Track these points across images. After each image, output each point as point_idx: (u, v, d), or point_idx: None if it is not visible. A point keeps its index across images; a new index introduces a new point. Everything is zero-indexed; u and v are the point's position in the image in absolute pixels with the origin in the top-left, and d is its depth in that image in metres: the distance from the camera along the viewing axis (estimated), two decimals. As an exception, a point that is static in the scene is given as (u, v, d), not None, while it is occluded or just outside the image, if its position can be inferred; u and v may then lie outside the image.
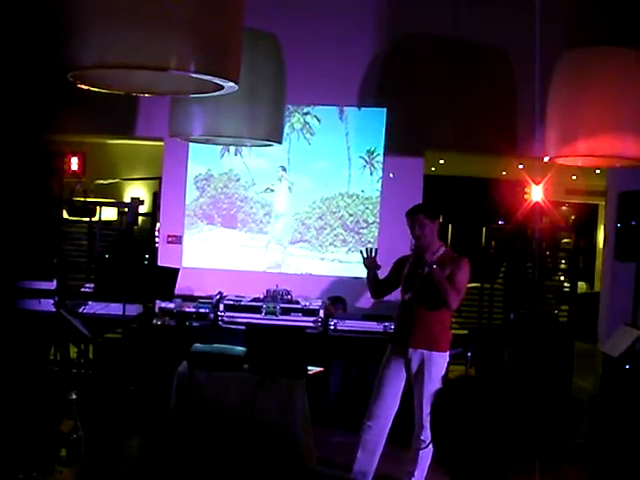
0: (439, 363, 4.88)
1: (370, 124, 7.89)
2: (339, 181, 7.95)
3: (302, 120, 7.94)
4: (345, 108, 7.90)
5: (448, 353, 4.97)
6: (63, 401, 2.49)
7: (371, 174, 7.92)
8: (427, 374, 4.83)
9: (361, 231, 7.95)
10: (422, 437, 4.76)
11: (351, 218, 7.96)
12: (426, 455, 4.79)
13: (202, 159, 7.93)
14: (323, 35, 7.69)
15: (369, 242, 7.88)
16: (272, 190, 7.96)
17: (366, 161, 7.92)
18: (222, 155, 7.87)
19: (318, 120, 7.95)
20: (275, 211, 8.00)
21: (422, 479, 4.89)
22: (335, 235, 7.98)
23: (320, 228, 7.98)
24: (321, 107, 7.93)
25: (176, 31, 2.96)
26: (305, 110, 7.93)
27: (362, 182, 7.94)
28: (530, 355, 6.75)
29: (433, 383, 4.77)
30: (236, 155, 7.84)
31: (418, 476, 4.88)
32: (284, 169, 7.95)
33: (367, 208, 7.94)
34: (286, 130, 7.66)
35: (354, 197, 7.95)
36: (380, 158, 7.89)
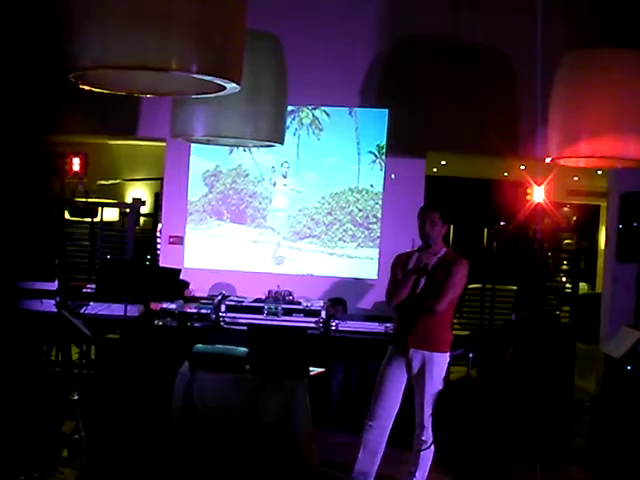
0: (440, 364, 4.88)
1: (379, 120, 7.86)
2: (348, 176, 7.93)
3: (311, 115, 7.92)
4: (353, 104, 7.90)
5: (449, 354, 4.97)
6: (65, 402, 2.49)
7: (381, 169, 7.87)
8: (428, 375, 4.83)
9: (370, 226, 7.91)
10: (423, 437, 4.76)
11: (360, 213, 7.93)
12: (427, 455, 4.79)
13: (210, 155, 7.91)
14: (324, 36, 7.69)
15: (378, 237, 7.86)
16: (274, 184, 7.95)
17: (376, 156, 7.87)
18: (231, 151, 7.81)
19: (327, 115, 7.93)
20: (273, 206, 7.98)
21: (423, 479, 4.89)
22: (344, 230, 7.94)
23: (329, 223, 7.95)
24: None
25: (178, 32, 2.96)
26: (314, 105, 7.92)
27: (371, 177, 7.90)
28: (532, 356, 6.74)
29: (434, 384, 4.77)
30: (245, 151, 7.78)
31: (419, 476, 4.88)
32: (288, 165, 7.93)
33: (377, 203, 7.89)
34: (295, 126, 7.69)
35: (363, 192, 7.92)
36: (390, 153, 7.89)
